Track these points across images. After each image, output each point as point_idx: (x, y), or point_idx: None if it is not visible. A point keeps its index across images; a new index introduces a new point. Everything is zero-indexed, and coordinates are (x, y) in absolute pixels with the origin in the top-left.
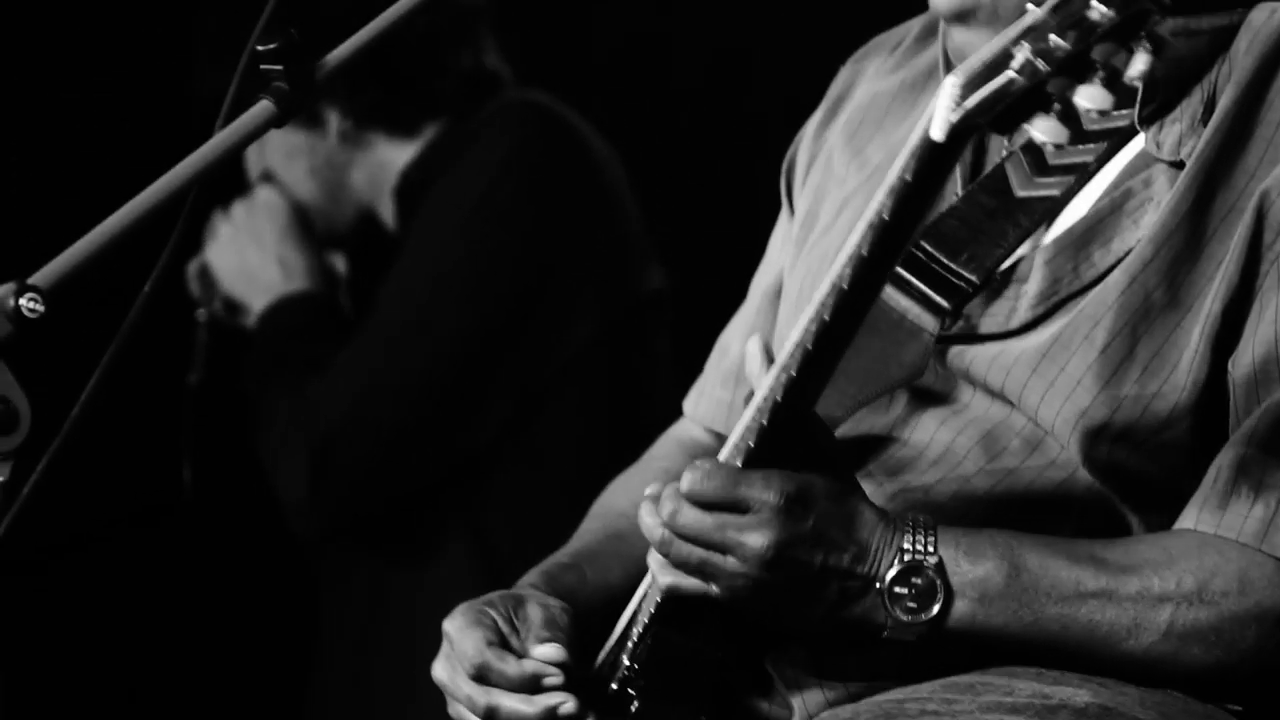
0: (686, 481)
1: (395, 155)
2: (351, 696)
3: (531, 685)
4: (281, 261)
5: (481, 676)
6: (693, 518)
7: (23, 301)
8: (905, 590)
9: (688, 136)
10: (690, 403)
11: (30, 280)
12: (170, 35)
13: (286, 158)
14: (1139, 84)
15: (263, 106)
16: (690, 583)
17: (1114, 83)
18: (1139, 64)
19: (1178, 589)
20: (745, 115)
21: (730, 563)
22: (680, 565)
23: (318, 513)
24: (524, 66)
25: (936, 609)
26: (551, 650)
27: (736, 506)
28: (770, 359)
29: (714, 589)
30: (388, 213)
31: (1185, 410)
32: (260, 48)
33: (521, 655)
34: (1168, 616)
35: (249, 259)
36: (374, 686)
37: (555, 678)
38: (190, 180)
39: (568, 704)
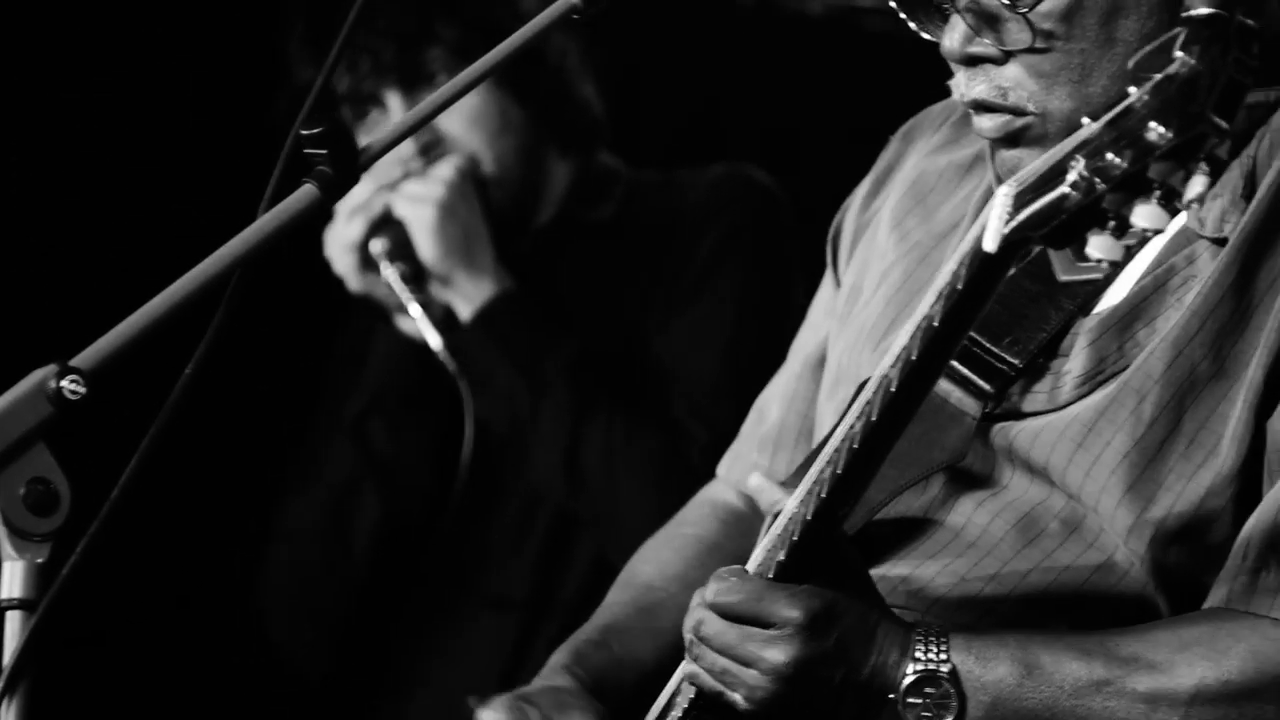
0: (711, 592)
1: (559, 174)
2: None
3: None
4: (490, 246)
5: None
6: (717, 629)
7: (64, 384)
8: (920, 700)
9: None
10: (725, 466)
11: (72, 362)
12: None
13: (500, 126)
14: (1196, 205)
15: (306, 191)
16: (716, 686)
17: (1170, 202)
18: (1196, 187)
19: (1189, 682)
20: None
21: (751, 675)
22: (706, 670)
23: None
24: None
25: (952, 717)
26: None
27: (760, 621)
28: (782, 481)
29: (737, 697)
30: (527, 233)
31: (1229, 479)
32: (305, 132)
33: None
34: (1183, 708)
35: (473, 232)
36: None
37: None
38: (233, 264)
39: None
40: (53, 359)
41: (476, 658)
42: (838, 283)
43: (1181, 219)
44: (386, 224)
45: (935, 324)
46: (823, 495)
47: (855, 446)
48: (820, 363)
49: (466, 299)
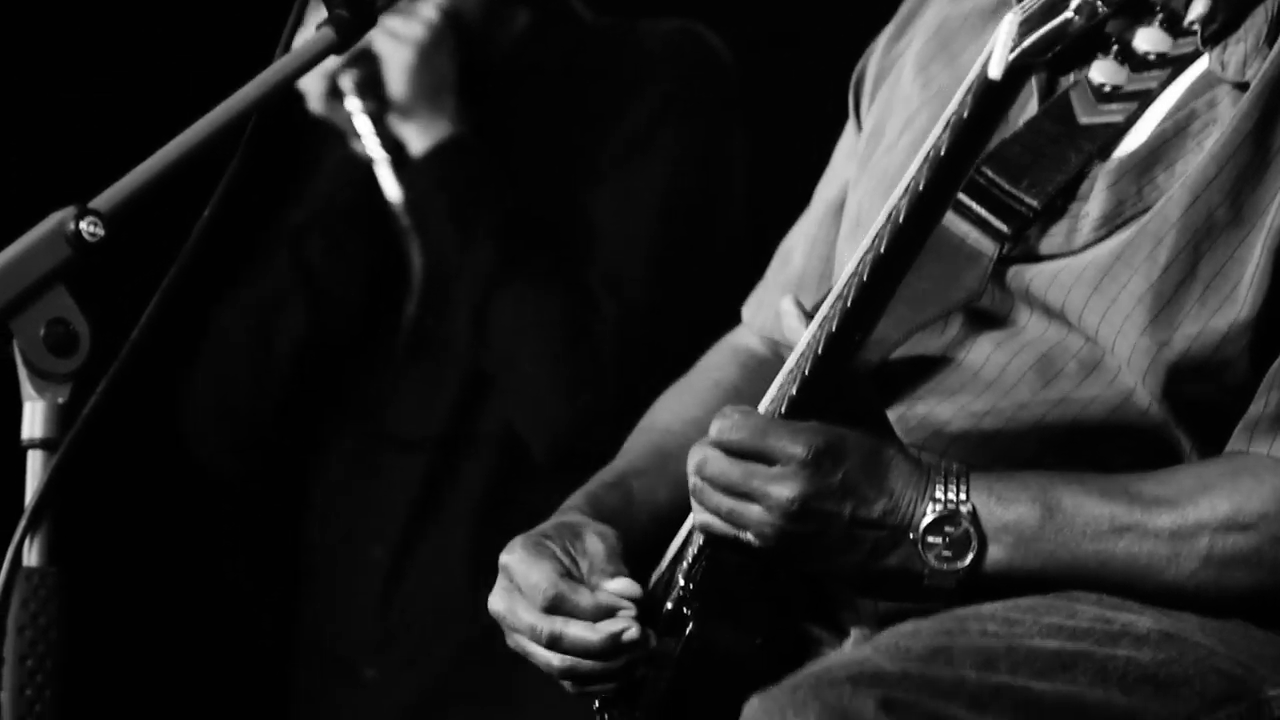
0: (715, 429)
1: (517, 15)
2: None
3: (605, 616)
4: (459, 91)
5: (554, 608)
6: (720, 467)
7: (83, 225)
8: (940, 539)
9: None
10: (749, 310)
11: (90, 204)
12: None
13: None
14: (1198, 28)
15: (323, 34)
16: (722, 527)
17: (1173, 25)
18: (1198, 8)
19: (1212, 516)
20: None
21: (756, 512)
22: (712, 512)
23: (589, 434)
24: None
25: (971, 556)
26: (624, 585)
27: (764, 457)
28: (806, 313)
29: (746, 536)
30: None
31: (1246, 325)
32: None
33: (588, 587)
34: (1206, 544)
35: (445, 78)
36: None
37: (629, 611)
38: (250, 106)
39: (631, 630)
40: (71, 201)
41: (381, 499)
42: (859, 127)
43: (1203, 63)
44: (360, 57)
45: (942, 153)
46: (832, 329)
47: (864, 279)
48: (841, 207)
49: (421, 135)
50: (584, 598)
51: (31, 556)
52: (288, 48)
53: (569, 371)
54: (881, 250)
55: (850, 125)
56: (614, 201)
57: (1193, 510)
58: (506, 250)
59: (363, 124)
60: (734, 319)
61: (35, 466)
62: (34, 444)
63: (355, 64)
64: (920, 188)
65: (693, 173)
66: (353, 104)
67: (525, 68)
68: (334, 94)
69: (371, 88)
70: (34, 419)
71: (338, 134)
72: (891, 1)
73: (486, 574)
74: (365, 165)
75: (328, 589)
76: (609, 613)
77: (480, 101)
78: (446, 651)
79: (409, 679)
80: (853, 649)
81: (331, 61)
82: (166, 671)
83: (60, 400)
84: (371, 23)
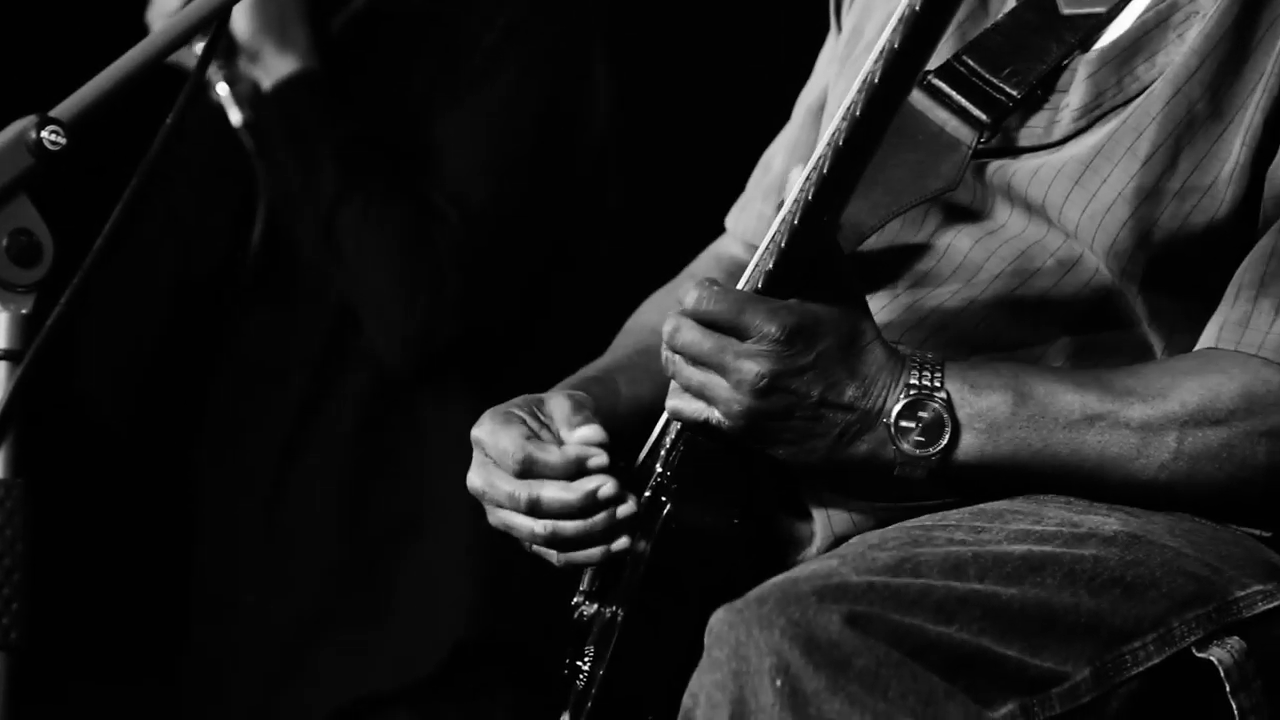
0: (690, 300)
1: None
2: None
3: (576, 470)
4: (305, 28)
5: (526, 471)
6: (692, 337)
7: (44, 134)
8: (912, 424)
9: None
10: (732, 218)
11: (51, 113)
12: None
13: None
14: None
15: None
16: (693, 407)
17: None
18: None
19: (1182, 409)
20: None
21: (724, 387)
22: (684, 387)
23: (444, 329)
24: None
25: (944, 441)
26: (590, 431)
27: (738, 331)
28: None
29: (714, 415)
30: (340, 17)
31: (1223, 222)
32: None
33: (557, 444)
34: (1175, 437)
35: (287, 13)
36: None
37: (599, 458)
38: (212, 13)
39: (607, 486)
40: (31, 110)
41: (258, 429)
42: (839, 29)
43: None
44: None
45: (916, 9)
46: (809, 198)
47: (840, 144)
48: (821, 110)
49: (268, 73)
50: (553, 455)
51: None
52: None
53: (409, 276)
54: (857, 114)
55: (831, 30)
56: (458, 123)
57: (1163, 403)
58: (347, 170)
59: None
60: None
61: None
62: None
63: None
64: (895, 46)
65: (537, 91)
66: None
67: (383, 13)
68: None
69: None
70: None
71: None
72: None
73: (362, 498)
74: (223, 112)
75: (213, 522)
76: (580, 465)
77: (332, 41)
78: (325, 574)
79: (288, 604)
80: (822, 557)
81: (172, 2)
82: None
83: (24, 311)
84: None
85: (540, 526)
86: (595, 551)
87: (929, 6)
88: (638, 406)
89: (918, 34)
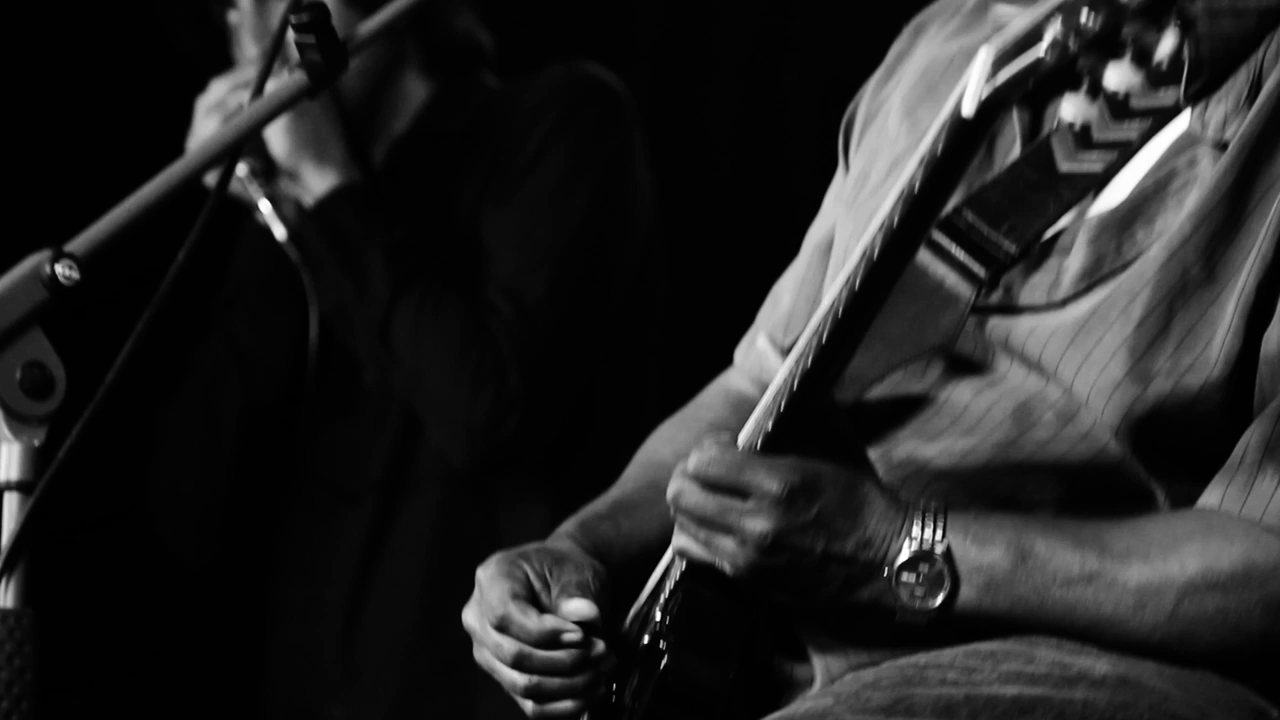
0: (693, 462)
1: (416, 91)
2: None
3: (550, 641)
4: (343, 143)
5: (502, 628)
6: (696, 500)
7: (58, 268)
8: (913, 577)
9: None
10: (740, 352)
11: (66, 247)
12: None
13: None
14: (1166, 64)
15: (296, 78)
16: (699, 552)
17: (1144, 62)
18: (1168, 43)
19: (1181, 573)
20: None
21: (730, 545)
22: (691, 540)
23: (508, 422)
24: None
25: (944, 595)
26: (582, 606)
27: (740, 492)
28: (783, 351)
29: (725, 565)
30: (382, 143)
31: (1217, 385)
32: (293, 19)
33: (548, 611)
34: (1172, 601)
35: (322, 128)
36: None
37: (573, 633)
38: (223, 151)
39: (574, 636)
40: (46, 244)
41: (334, 548)
42: (847, 169)
43: (1185, 121)
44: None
45: (915, 190)
46: (807, 365)
47: (838, 315)
48: (828, 248)
49: (309, 190)
50: (531, 621)
51: (7, 598)
52: (260, 92)
53: (470, 370)
54: (856, 286)
55: (840, 168)
56: (508, 222)
57: (1162, 565)
58: (397, 272)
59: (247, 179)
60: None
61: (11, 508)
62: (10, 486)
63: None
64: (894, 224)
65: (582, 186)
66: (240, 168)
67: (423, 137)
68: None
69: (256, 146)
70: (9, 462)
71: (243, 206)
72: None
73: (441, 606)
74: (270, 234)
75: (292, 639)
76: (553, 636)
77: (384, 164)
78: (409, 683)
79: (374, 713)
80: (817, 695)
81: (212, 126)
82: None
83: (36, 443)
84: (343, 67)
85: (522, 679)
86: (570, 706)
87: (928, 187)
88: (644, 545)
89: (916, 212)
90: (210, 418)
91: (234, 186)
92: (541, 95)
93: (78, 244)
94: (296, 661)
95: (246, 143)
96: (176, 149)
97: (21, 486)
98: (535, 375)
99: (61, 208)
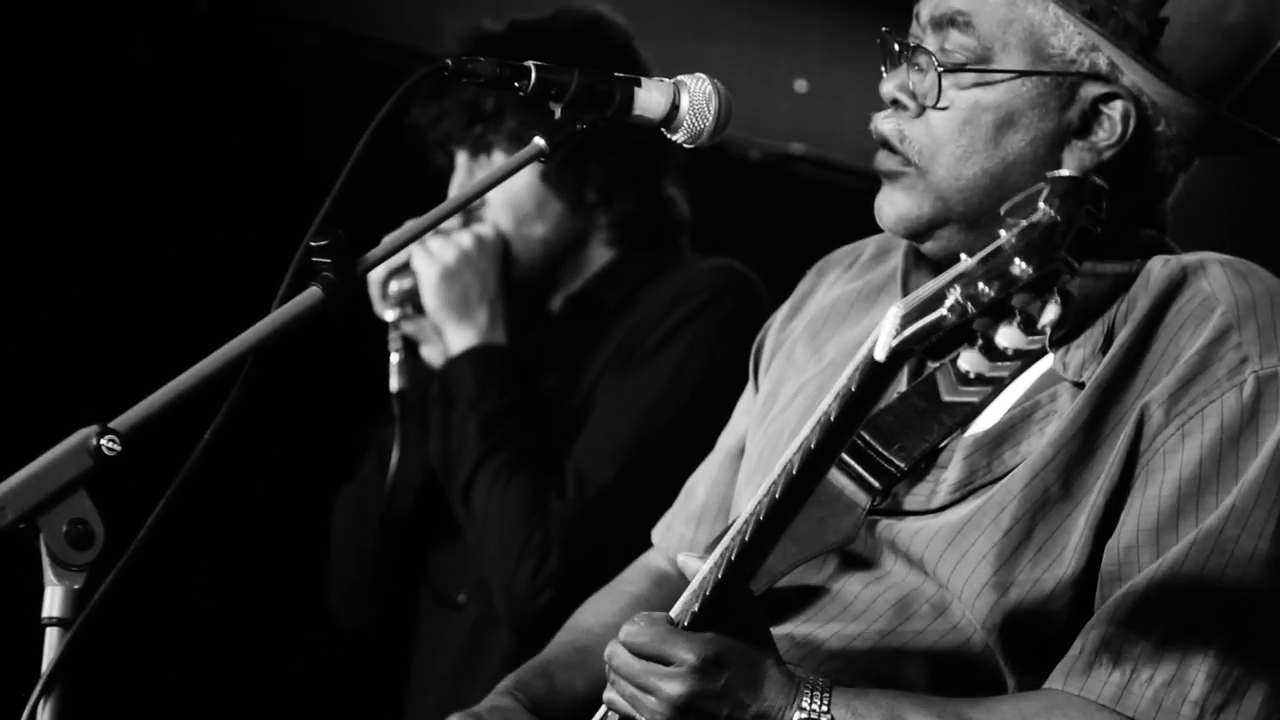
0: (625, 632)
1: (599, 256)
2: None
3: None
4: (493, 307)
5: None
6: (625, 661)
7: (103, 442)
8: None
9: None
10: (658, 534)
11: (110, 424)
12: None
13: (534, 213)
14: (1048, 330)
15: (311, 293)
16: (625, 707)
17: (1029, 327)
18: (1049, 314)
19: None
20: None
21: (651, 702)
22: (620, 695)
23: (540, 597)
24: None
25: None
26: None
27: (661, 659)
28: (705, 549)
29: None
30: (560, 297)
31: (1069, 584)
32: (313, 243)
33: None
34: None
35: (471, 293)
36: None
37: None
38: (246, 351)
39: None
40: (94, 420)
41: (442, 647)
42: (756, 389)
43: (1048, 362)
44: (405, 268)
45: (831, 419)
46: (731, 559)
47: (760, 519)
48: (739, 453)
49: (447, 346)
50: None
51: (44, 718)
52: (283, 301)
53: (520, 543)
54: (776, 496)
55: (750, 386)
56: (608, 403)
57: None
58: (487, 441)
59: (392, 330)
60: None
61: (51, 641)
62: (51, 622)
63: (401, 273)
64: (812, 446)
65: (684, 389)
66: (391, 312)
67: (599, 293)
68: (384, 296)
69: (411, 298)
70: (53, 601)
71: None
72: None
73: None
74: (423, 369)
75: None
76: None
77: (550, 324)
78: None
79: None
80: None
81: (381, 271)
82: None
83: (76, 586)
84: (357, 284)
85: None
86: None
87: (842, 417)
88: (574, 700)
89: (831, 437)
90: (361, 517)
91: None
92: (693, 281)
93: (121, 421)
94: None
95: (266, 343)
96: (213, 342)
97: (62, 623)
98: (570, 560)
99: (110, 386)
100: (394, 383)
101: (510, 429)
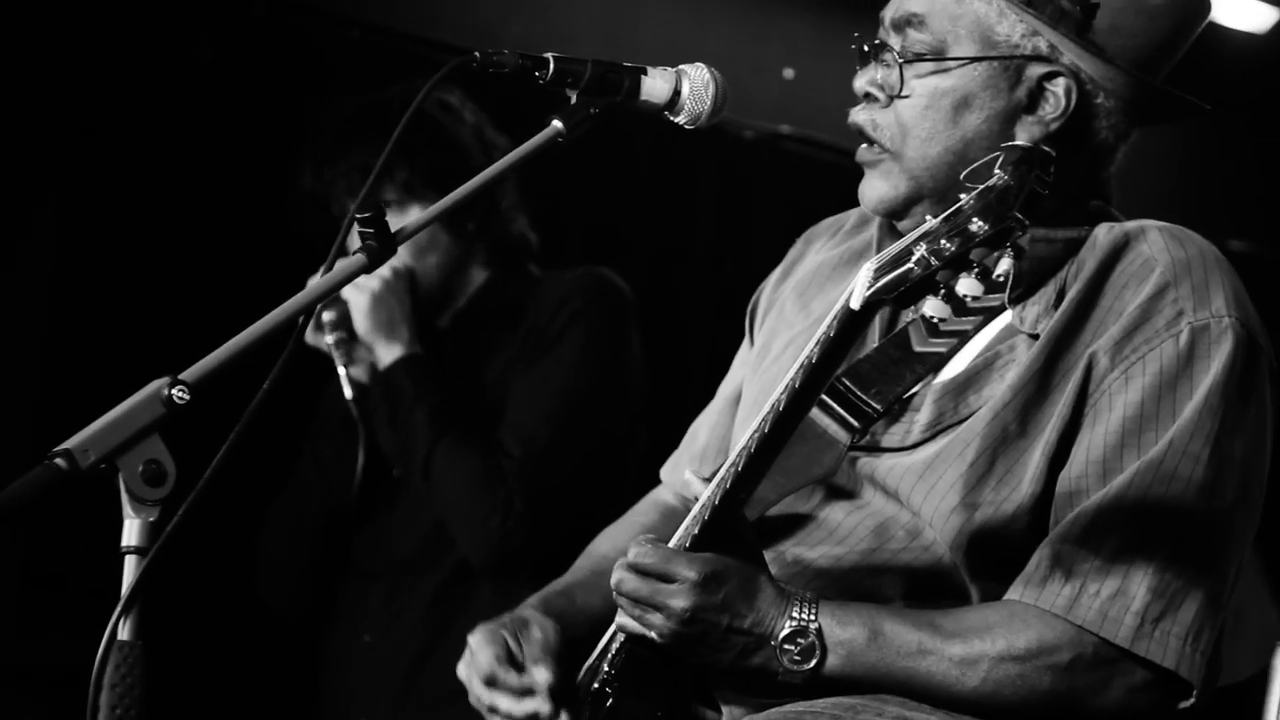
0: (631, 554)
1: (477, 277)
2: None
3: (526, 692)
4: (410, 325)
5: (490, 682)
6: (633, 584)
7: (174, 391)
8: (792, 647)
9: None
10: (666, 471)
11: (180, 375)
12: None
13: (428, 245)
14: (1004, 279)
15: (357, 258)
16: (635, 627)
17: (985, 277)
18: (1003, 265)
19: (991, 648)
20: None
21: (658, 618)
22: (628, 617)
23: (513, 539)
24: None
25: (814, 662)
26: (542, 675)
27: (666, 578)
28: (705, 479)
29: (650, 634)
30: (448, 314)
31: (1025, 511)
32: (359, 215)
33: (523, 667)
34: (985, 670)
35: (395, 315)
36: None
37: (543, 692)
38: (301, 308)
39: (544, 709)
40: (166, 372)
41: (366, 608)
42: (752, 343)
43: (1007, 317)
44: (338, 301)
45: (813, 361)
46: (727, 487)
47: (751, 451)
48: (736, 400)
49: (379, 360)
50: (511, 679)
51: (124, 633)
52: (330, 267)
53: (486, 501)
54: (765, 431)
55: (746, 341)
56: (530, 385)
57: (977, 643)
58: (437, 426)
59: (332, 349)
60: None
61: (130, 567)
62: (130, 550)
63: (331, 305)
64: (796, 386)
65: (589, 361)
66: (328, 336)
67: (480, 307)
68: (318, 326)
69: (345, 321)
70: (131, 532)
71: (329, 360)
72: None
73: (420, 667)
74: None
75: (333, 666)
76: (529, 689)
77: (448, 331)
78: (402, 712)
79: None
80: None
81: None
82: None
83: (150, 519)
84: (392, 252)
85: None
86: None
87: (822, 360)
88: (591, 616)
89: (812, 378)
90: (299, 514)
91: (323, 349)
92: (567, 289)
93: (191, 372)
94: (333, 677)
95: (320, 302)
96: (271, 301)
97: (139, 551)
98: (534, 506)
99: (180, 342)
100: (347, 392)
101: (455, 413)
